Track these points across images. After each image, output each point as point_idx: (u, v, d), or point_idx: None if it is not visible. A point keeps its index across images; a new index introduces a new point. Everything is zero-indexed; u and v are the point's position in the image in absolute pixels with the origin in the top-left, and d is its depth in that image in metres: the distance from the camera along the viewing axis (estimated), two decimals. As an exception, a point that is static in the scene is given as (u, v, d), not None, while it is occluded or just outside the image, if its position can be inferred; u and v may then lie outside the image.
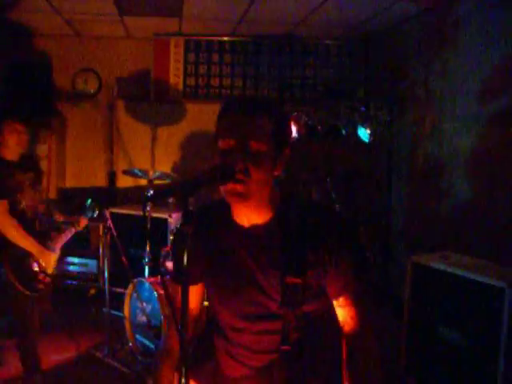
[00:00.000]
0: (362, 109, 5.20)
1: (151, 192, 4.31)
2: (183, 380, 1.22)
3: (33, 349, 3.67)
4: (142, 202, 4.13)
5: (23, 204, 3.57)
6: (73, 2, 5.01)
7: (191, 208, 1.32)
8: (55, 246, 3.75)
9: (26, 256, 3.53)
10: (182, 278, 1.38)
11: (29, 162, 3.78)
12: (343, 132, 5.24)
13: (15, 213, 3.46)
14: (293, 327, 1.63)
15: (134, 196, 6.13)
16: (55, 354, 3.94)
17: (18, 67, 6.11)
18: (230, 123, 1.57)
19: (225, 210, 1.71)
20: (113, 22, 5.70)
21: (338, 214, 1.74)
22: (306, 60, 6.34)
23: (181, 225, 1.30)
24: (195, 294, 1.88)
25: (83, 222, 3.99)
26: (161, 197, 1.45)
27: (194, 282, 1.84)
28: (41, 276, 3.58)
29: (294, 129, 5.25)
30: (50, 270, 3.67)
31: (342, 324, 1.68)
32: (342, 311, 1.67)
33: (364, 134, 5.15)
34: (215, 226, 1.75)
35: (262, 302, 1.65)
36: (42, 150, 6.11)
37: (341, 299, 1.67)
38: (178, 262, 1.91)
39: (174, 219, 5.00)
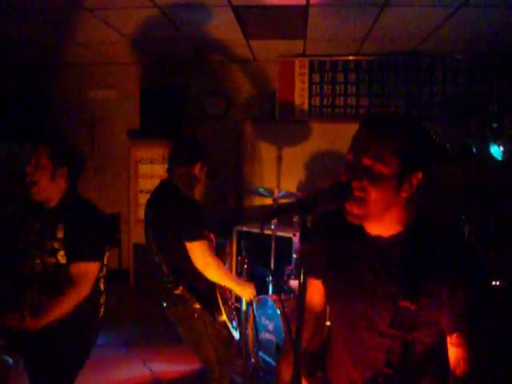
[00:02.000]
0: (495, 125, 4.93)
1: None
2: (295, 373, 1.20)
3: None
4: (259, 220, 4.16)
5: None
6: (202, 30, 5.26)
7: (309, 226, 1.31)
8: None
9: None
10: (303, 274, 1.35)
11: None
12: (474, 150, 5.00)
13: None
14: (398, 352, 1.56)
15: (258, 215, 6.23)
16: (173, 364, 4.05)
17: (153, 92, 6.51)
18: (354, 138, 1.55)
19: None
20: (239, 46, 5.91)
21: (467, 246, 1.59)
22: (434, 76, 6.13)
23: (299, 242, 1.30)
24: (316, 288, 1.84)
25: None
26: (277, 214, 1.46)
27: (316, 275, 1.81)
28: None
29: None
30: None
31: (452, 365, 1.56)
32: (455, 350, 1.55)
33: (497, 151, 4.88)
34: (341, 228, 1.70)
35: (372, 317, 1.60)
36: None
37: (454, 336, 1.55)
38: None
39: (298, 238, 5.02)
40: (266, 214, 1.29)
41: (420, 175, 1.51)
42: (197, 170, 3.38)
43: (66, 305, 2.55)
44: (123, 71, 6.87)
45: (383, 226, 1.59)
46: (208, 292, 3.17)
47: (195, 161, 3.35)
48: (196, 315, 3.14)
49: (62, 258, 2.61)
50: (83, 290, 2.60)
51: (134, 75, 6.86)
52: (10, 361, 3.37)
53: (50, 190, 2.68)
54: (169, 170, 3.34)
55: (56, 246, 2.60)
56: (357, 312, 1.63)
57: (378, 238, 1.61)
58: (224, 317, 3.19)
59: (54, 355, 2.62)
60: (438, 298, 1.51)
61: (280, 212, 1.50)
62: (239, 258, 4.25)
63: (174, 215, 3.12)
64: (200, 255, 3.05)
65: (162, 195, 3.33)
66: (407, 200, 1.54)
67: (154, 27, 5.18)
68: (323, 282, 1.82)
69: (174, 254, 3.14)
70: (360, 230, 1.65)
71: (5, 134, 6.58)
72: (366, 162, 1.47)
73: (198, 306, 3.13)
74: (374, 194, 1.48)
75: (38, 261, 2.63)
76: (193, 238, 3.05)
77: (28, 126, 6.49)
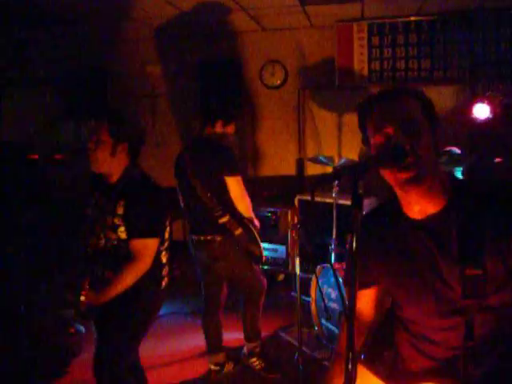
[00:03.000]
0: None
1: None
2: (349, 366, 1.19)
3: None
4: (310, 187, 4.15)
5: None
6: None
7: (361, 192, 1.29)
8: None
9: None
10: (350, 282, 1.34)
11: None
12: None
13: None
14: (478, 322, 1.54)
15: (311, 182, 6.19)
16: (240, 332, 4.12)
17: (211, 65, 6.53)
18: (381, 113, 1.57)
19: (393, 207, 1.67)
20: (295, 13, 5.81)
21: None
22: (501, 34, 5.83)
23: (350, 209, 1.28)
24: (369, 299, 1.82)
25: None
26: (328, 181, 1.44)
27: (367, 285, 1.79)
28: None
29: (487, 109, 4.90)
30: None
31: None
32: None
33: None
34: (387, 226, 1.71)
35: (446, 295, 1.58)
36: (235, 139, 6.43)
37: None
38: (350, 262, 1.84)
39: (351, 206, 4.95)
40: (315, 181, 1.29)
41: (440, 128, 1.58)
42: (229, 129, 3.91)
43: (128, 280, 2.64)
44: (181, 45, 6.91)
45: (431, 201, 1.58)
46: (244, 219, 3.75)
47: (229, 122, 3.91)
48: (237, 248, 3.70)
49: (122, 233, 2.68)
50: (143, 265, 2.67)
51: (192, 49, 6.87)
52: (83, 329, 3.53)
53: (110, 165, 2.74)
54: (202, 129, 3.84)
55: (117, 221, 2.67)
56: (431, 297, 1.61)
57: (426, 217, 1.60)
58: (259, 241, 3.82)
59: (119, 323, 2.74)
60: (502, 256, 1.49)
61: (331, 178, 1.49)
62: (300, 225, 4.26)
63: (217, 155, 3.67)
64: (237, 188, 3.65)
65: (205, 145, 3.80)
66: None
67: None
68: (382, 280, 1.79)
69: (220, 187, 3.63)
70: (405, 217, 1.64)
71: (70, 111, 6.79)
72: (412, 125, 1.51)
73: (239, 231, 3.68)
74: (423, 153, 1.50)
75: (101, 236, 2.72)
76: (233, 173, 3.63)
77: (91, 103, 6.66)
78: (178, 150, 6.80)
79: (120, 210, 2.67)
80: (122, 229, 2.68)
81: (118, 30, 6.49)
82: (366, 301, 1.82)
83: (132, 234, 2.67)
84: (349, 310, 1.23)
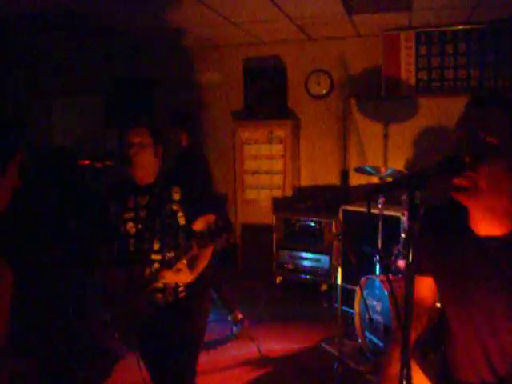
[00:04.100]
0: None
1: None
2: (405, 370, 1.16)
3: None
4: (365, 197, 4.09)
5: None
6: (303, 7, 5.20)
7: (418, 202, 1.26)
8: None
9: None
10: (409, 269, 1.32)
11: None
12: None
13: None
14: None
15: (363, 192, 6.12)
16: (281, 343, 4.09)
17: (256, 72, 6.57)
18: (462, 116, 1.52)
19: (461, 215, 1.61)
20: (341, 22, 5.78)
21: None
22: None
23: (407, 220, 1.25)
24: (427, 285, 1.77)
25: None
26: (384, 190, 1.41)
27: (423, 273, 1.74)
28: None
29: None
30: None
31: None
32: None
33: None
34: (449, 228, 1.66)
35: (499, 317, 1.53)
36: (279, 149, 6.43)
37: None
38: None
39: (407, 217, 4.87)
40: (372, 189, 1.26)
41: None
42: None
43: (206, 258, 2.78)
44: (227, 53, 6.97)
45: (495, 222, 1.53)
46: None
47: None
48: None
49: (181, 218, 2.79)
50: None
51: (238, 57, 6.93)
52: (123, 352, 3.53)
53: (153, 166, 2.87)
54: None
55: (175, 207, 2.79)
56: (487, 313, 1.56)
57: (489, 238, 1.54)
58: None
59: (187, 335, 2.81)
60: None
61: (388, 188, 1.45)
62: (344, 236, 4.22)
63: None
64: None
65: None
66: None
67: (258, 8, 5.19)
68: (434, 280, 1.75)
69: None
70: (468, 230, 1.59)
71: (116, 119, 6.90)
72: (482, 136, 1.43)
73: None
74: (485, 170, 1.42)
75: (157, 222, 2.79)
76: None
77: (137, 112, 6.76)
78: (221, 157, 6.95)
79: (176, 196, 2.80)
80: (181, 214, 2.79)
81: (166, 40, 6.58)
82: (425, 285, 1.76)
83: (198, 213, 2.77)
84: (406, 296, 1.20)
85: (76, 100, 7.57)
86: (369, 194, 1.39)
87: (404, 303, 1.29)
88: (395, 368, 1.64)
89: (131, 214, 2.85)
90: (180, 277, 2.65)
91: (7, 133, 1.32)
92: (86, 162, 3.05)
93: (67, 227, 4.58)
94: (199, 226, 2.69)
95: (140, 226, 2.82)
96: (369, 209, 3.19)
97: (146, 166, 2.82)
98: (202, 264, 2.75)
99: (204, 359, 4.26)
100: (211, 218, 2.66)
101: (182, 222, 2.78)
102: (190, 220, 2.77)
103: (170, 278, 2.65)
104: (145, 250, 2.80)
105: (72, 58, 7.27)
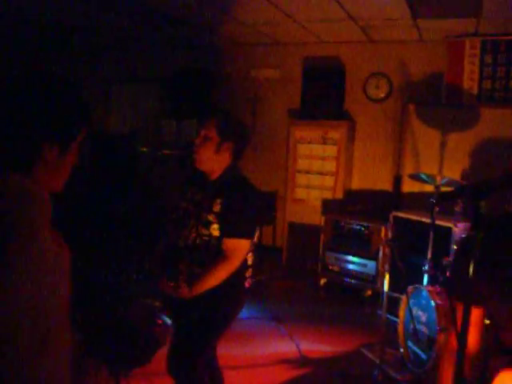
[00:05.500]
0: None
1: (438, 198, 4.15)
2: None
3: None
4: (429, 206, 3.99)
5: None
6: (369, 9, 5.14)
7: (482, 212, 1.22)
8: None
9: None
10: (464, 292, 1.27)
11: None
12: None
13: None
14: None
15: (419, 201, 6.00)
16: (321, 344, 4.05)
17: (315, 71, 6.53)
18: None
19: None
20: (405, 26, 5.70)
21: None
22: None
23: (470, 229, 1.21)
24: (474, 323, 1.64)
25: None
26: (449, 198, 1.37)
27: (478, 302, 1.63)
28: None
29: None
30: None
31: None
32: None
33: None
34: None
35: None
36: (332, 150, 6.38)
37: None
38: (458, 272, 1.73)
39: (458, 229, 4.75)
40: (439, 196, 1.22)
41: None
42: None
43: (218, 277, 2.67)
44: (286, 51, 6.96)
45: None
46: None
47: None
48: None
49: (214, 230, 2.70)
50: (234, 265, 2.69)
51: (297, 56, 6.91)
52: (169, 321, 3.58)
53: (213, 162, 2.77)
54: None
55: (211, 218, 2.70)
56: None
57: None
58: None
59: (199, 319, 2.75)
60: None
61: (451, 196, 1.41)
62: (393, 242, 4.14)
63: None
64: None
65: None
66: None
67: (321, 7, 5.16)
68: (491, 308, 1.67)
69: None
70: None
71: (174, 110, 7.00)
72: None
73: None
74: None
75: (193, 231, 2.75)
76: None
77: (194, 103, 6.83)
78: (274, 154, 6.96)
79: (216, 208, 2.70)
80: (216, 226, 2.70)
81: (225, 33, 6.61)
82: (474, 321, 1.65)
83: (227, 232, 2.69)
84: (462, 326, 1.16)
85: (134, 88, 7.70)
86: (437, 199, 1.35)
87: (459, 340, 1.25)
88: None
89: (184, 205, 2.85)
90: (177, 293, 2.66)
91: (74, 112, 1.35)
92: (145, 149, 3.07)
93: (122, 212, 4.66)
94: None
95: (184, 220, 2.82)
96: (433, 215, 3.10)
97: (205, 160, 2.76)
98: (207, 285, 2.66)
99: (243, 354, 4.32)
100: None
101: (215, 233, 2.70)
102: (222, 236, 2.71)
103: (168, 290, 2.69)
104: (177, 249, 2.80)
105: (132, 46, 7.40)
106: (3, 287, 1.11)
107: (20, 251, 1.12)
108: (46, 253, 1.19)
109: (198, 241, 2.73)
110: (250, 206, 2.78)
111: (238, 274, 2.79)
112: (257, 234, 2.91)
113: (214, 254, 2.69)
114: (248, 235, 2.75)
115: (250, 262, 2.90)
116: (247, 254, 2.84)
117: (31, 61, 7.80)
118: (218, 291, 2.70)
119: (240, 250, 2.71)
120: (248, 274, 2.92)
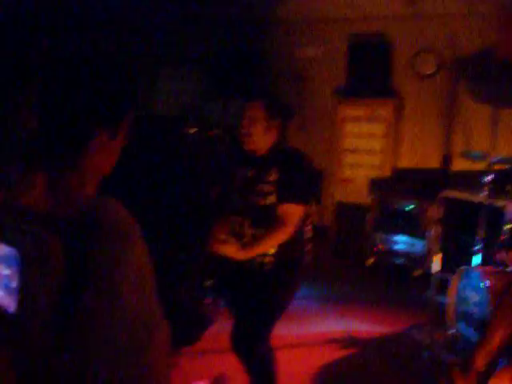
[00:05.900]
0: None
1: (489, 176, 4.04)
2: None
3: None
4: (481, 185, 3.89)
5: None
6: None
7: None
8: None
9: None
10: None
11: None
12: None
13: None
14: None
15: (469, 179, 5.86)
16: (368, 324, 4.03)
17: (360, 48, 6.42)
18: None
19: None
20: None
21: None
22: None
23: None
24: None
25: None
26: (504, 178, 1.33)
27: None
28: None
29: None
30: None
31: None
32: None
33: None
34: None
35: None
36: (379, 128, 6.29)
37: None
38: None
39: (511, 209, 4.62)
40: (495, 174, 1.18)
41: None
42: None
43: (273, 241, 2.76)
44: (331, 28, 6.85)
45: None
46: None
47: None
48: None
49: (271, 199, 2.79)
50: (288, 229, 2.76)
51: (342, 33, 6.79)
52: (220, 301, 3.62)
53: (262, 140, 2.84)
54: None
55: (268, 189, 2.78)
56: None
57: None
58: None
59: (266, 297, 2.81)
60: None
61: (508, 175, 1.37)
62: (444, 222, 4.08)
63: None
64: None
65: None
66: None
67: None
68: None
69: None
70: None
71: (219, 90, 7.00)
72: None
73: None
74: None
75: (250, 203, 2.83)
76: None
77: (240, 83, 6.82)
78: (321, 133, 6.89)
79: (272, 177, 2.78)
80: (273, 196, 2.78)
81: (270, 12, 6.55)
82: None
83: (282, 197, 2.77)
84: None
85: (180, 70, 7.72)
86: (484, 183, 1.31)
87: None
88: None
89: (237, 184, 2.91)
90: (226, 249, 2.73)
91: (124, 94, 1.34)
92: (193, 130, 3.12)
93: (171, 195, 4.71)
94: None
95: (237, 196, 2.89)
96: (487, 197, 2.97)
97: (256, 139, 2.82)
98: (260, 248, 2.75)
99: (290, 333, 4.34)
100: None
101: (273, 201, 2.78)
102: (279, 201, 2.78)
103: (217, 247, 2.76)
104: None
105: (176, 28, 7.41)
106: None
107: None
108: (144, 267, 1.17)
109: (256, 209, 2.82)
110: (305, 173, 2.89)
111: (300, 247, 2.91)
112: (314, 208, 2.97)
113: (273, 219, 2.77)
114: (303, 201, 2.83)
115: (309, 234, 2.96)
116: (306, 227, 2.91)
117: (79, 41, 7.89)
118: (284, 266, 2.80)
119: (294, 215, 2.78)
120: (308, 248, 2.99)
